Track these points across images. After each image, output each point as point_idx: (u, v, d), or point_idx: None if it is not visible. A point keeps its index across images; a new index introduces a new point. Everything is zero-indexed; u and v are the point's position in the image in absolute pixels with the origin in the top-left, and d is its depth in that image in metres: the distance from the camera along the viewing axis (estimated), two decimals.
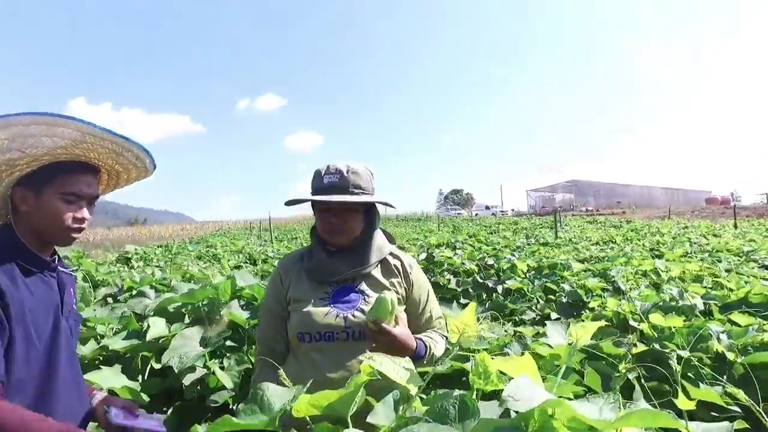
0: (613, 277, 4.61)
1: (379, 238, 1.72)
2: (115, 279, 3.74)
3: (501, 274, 4.49)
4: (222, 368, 2.03)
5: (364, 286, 1.63)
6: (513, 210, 52.29)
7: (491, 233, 15.70)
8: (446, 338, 1.77)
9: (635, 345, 2.35)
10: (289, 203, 1.67)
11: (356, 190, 1.58)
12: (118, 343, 2.05)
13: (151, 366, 2.06)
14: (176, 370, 1.90)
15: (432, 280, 4.34)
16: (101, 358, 2.17)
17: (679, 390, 1.29)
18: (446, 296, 4.17)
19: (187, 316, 2.51)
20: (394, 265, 1.70)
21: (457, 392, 0.91)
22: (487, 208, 50.20)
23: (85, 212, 1.35)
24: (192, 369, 2.05)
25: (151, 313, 2.41)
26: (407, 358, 1.32)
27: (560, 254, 7.60)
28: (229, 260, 7.17)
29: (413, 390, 0.98)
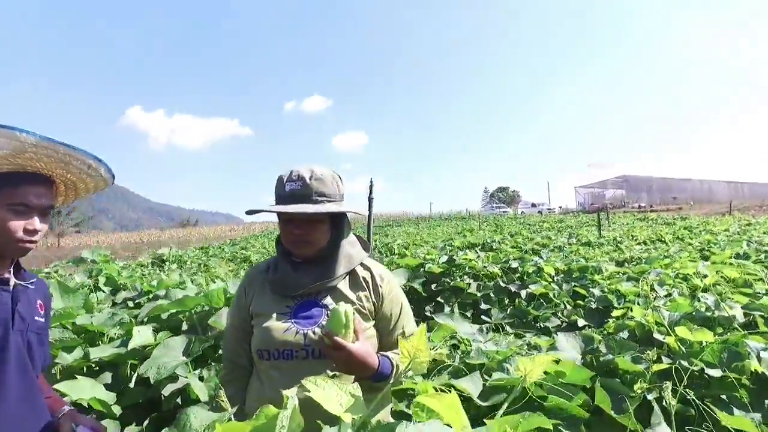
0: (651, 281, 4.28)
1: (348, 247, 1.59)
2: (135, 283, 3.80)
3: (526, 277, 4.25)
4: (201, 378, 1.96)
5: (328, 300, 1.51)
6: (560, 207, 50.68)
7: (533, 232, 15.19)
8: None
9: (655, 361, 2.12)
10: (249, 212, 1.58)
11: (320, 198, 1.47)
12: (101, 352, 2.03)
13: (138, 375, 2.02)
14: (152, 381, 1.85)
15: (452, 284, 4.17)
16: (92, 367, 2.16)
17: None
18: (466, 301, 3.98)
19: (184, 323, 2.48)
20: (363, 278, 1.58)
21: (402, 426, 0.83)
22: (533, 205, 48.88)
23: (36, 223, 1.31)
24: (174, 379, 2.00)
25: (145, 320, 2.39)
26: (356, 384, 1.20)
27: (599, 255, 7.19)
28: (259, 262, 7.20)
29: (347, 420, 0.89)
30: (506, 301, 3.94)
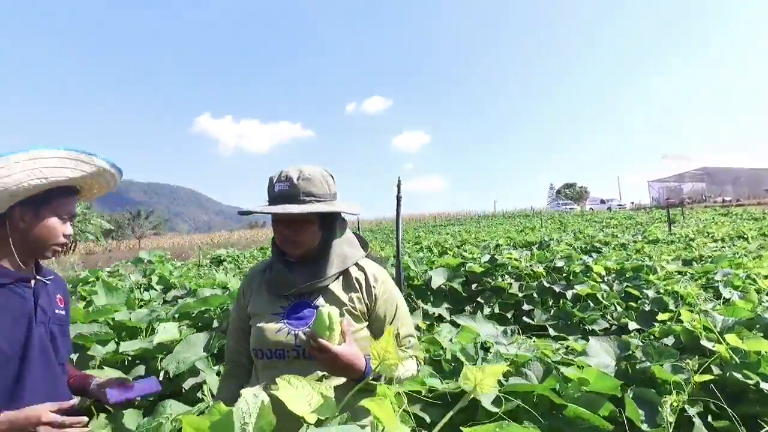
0: (717, 282, 3.91)
1: (343, 247, 1.58)
2: (184, 282, 4.00)
3: (572, 277, 4.03)
4: (218, 374, 2.02)
5: (320, 301, 1.51)
6: (632, 203, 47.80)
7: (599, 230, 14.43)
8: (416, 358, 1.62)
9: (699, 371, 1.92)
10: (242, 213, 1.60)
11: (307, 199, 1.46)
12: (130, 346, 2.14)
13: (161, 369, 2.12)
14: (170, 375, 1.93)
15: (493, 284, 4.03)
16: (126, 360, 2.29)
17: None
18: (507, 302, 3.83)
19: (215, 320, 2.57)
20: (356, 278, 1.56)
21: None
22: (602, 202, 46.48)
23: (69, 229, 1.50)
24: (195, 373, 2.07)
25: (176, 316, 2.49)
26: (331, 385, 1.18)
27: (666, 253, 6.69)
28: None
29: (310, 420, 0.89)
30: (550, 302, 3.76)
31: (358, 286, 1.55)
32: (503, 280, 3.97)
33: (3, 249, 1.43)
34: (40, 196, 1.43)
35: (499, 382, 1.95)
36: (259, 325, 1.48)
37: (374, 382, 1.41)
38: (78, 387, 1.61)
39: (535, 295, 3.77)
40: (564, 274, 4.08)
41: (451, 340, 2.41)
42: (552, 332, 3.35)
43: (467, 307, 3.89)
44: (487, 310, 3.76)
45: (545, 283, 3.84)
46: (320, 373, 1.44)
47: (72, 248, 24.45)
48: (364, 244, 1.67)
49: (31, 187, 1.37)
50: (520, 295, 3.78)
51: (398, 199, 3.11)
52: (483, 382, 0.93)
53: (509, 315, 3.68)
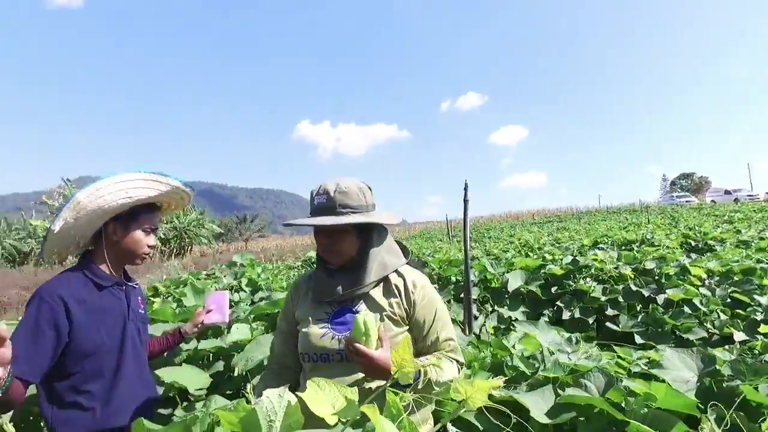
0: None
1: (382, 255, 1.65)
2: (269, 284, 4.29)
3: (664, 280, 3.68)
4: None
5: (362, 307, 1.59)
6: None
7: (717, 225, 12.91)
8: (457, 362, 1.66)
9: None
10: (286, 225, 1.71)
11: (344, 210, 1.54)
12: (208, 344, 2.36)
13: (232, 366, 2.31)
14: (236, 373, 2.09)
15: (574, 287, 3.81)
16: (207, 357, 2.52)
17: None
18: (590, 306, 3.60)
19: None
20: (395, 285, 1.63)
21: None
22: (728, 192, 41.29)
23: (153, 239, 1.78)
24: (261, 371, 2.23)
25: (251, 317, 2.69)
26: (354, 388, 1.23)
27: None
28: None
29: (330, 422, 0.95)
30: (638, 308, 3.46)
31: (397, 292, 1.61)
32: (585, 282, 3.73)
33: (101, 258, 1.71)
34: (127, 213, 1.69)
35: (557, 392, 1.86)
36: (305, 330, 1.57)
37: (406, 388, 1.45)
38: (172, 343, 2.06)
39: (620, 300, 3.50)
40: (655, 277, 3.73)
41: (513, 346, 2.33)
42: (639, 340, 3.10)
43: (546, 312, 3.72)
44: (566, 315, 3.57)
45: (632, 287, 3.55)
46: (361, 375, 1.51)
47: (189, 250, 27.12)
48: (405, 252, 1.74)
49: (118, 205, 1.63)
50: (603, 299, 3.53)
51: (465, 202, 3.07)
52: (473, 396, 0.92)
53: (590, 320, 3.46)
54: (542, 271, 4.02)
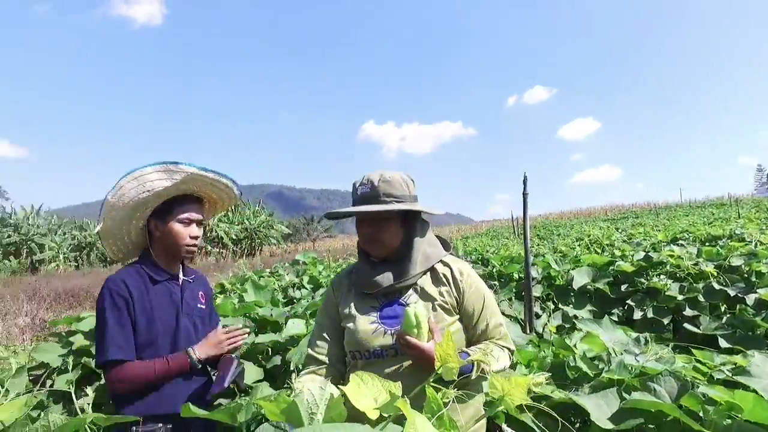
0: None
1: (425, 246, 1.63)
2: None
3: (755, 278, 3.33)
4: None
5: (412, 298, 1.57)
6: None
7: None
8: (508, 349, 1.63)
9: None
10: (328, 216, 1.71)
11: (388, 199, 1.54)
12: (264, 338, 2.42)
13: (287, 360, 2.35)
14: (292, 366, 2.13)
15: (646, 285, 3.54)
16: (267, 351, 2.59)
17: None
18: (665, 306, 3.33)
19: None
20: (443, 274, 1.61)
21: None
22: None
23: (195, 231, 1.81)
24: None
25: (308, 313, 2.74)
26: (398, 383, 1.21)
27: None
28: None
29: (371, 416, 0.96)
30: (722, 309, 3.16)
31: (445, 281, 1.60)
32: (659, 280, 3.46)
33: (154, 254, 1.79)
34: (162, 207, 1.74)
35: (622, 396, 1.72)
36: (354, 327, 1.55)
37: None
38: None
39: (700, 299, 3.21)
40: (744, 275, 3.39)
41: (575, 346, 2.20)
42: (724, 344, 2.82)
43: (615, 311, 3.49)
44: (638, 315, 3.33)
45: (715, 285, 3.24)
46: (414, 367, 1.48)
47: (259, 251, 28.31)
48: (446, 245, 1.72)
49: (141, 200, 1.67)
50: (680, 298, 3.25)
51: (524, 196, 2.95)
52: (511, 392, 0.86)
53: (666, 321, 3.20)
54: (611, 268, 3.78)
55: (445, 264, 1.64)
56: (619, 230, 13.71)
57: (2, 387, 1.73)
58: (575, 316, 3.34)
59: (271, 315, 2.80)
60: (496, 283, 3.44)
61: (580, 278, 3.56)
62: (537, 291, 3.63)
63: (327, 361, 1.65)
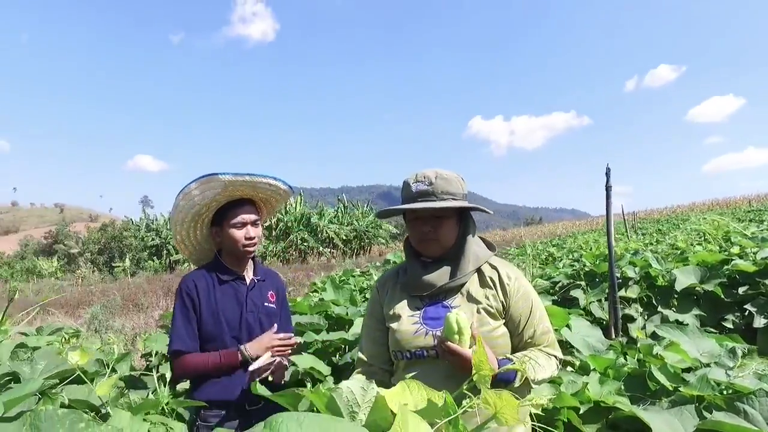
0: None
1: (475, 246, 1.60)
2: None
3: None
4: None
5: (457, 301, 1.55)
6: None
7: None
8: (555, 357, 1.55)
9: None
10: (379, 215, 1.71)
11: (446, 197, 1.52)
12: (332, 336, 2.52)
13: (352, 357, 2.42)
14: (350, 360, 2.20)
15: None
16: (337, 347, 2.69)
17: None
18: None
19: None
20: (490, 277, 1.57)
21: None
22: None
23: (251, 232, 1.94)
24: None
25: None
26: (443, 392, 1.18)
27: None
28: (561, 259, 6.94)
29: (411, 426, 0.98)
30: None
31: (492, 284, 1.56)
32: None
33: (222, 256, 1.96)
34: (216, 215, 1.90)
35: (701, 414, 1.51)
36: (398, 327, 1.55)
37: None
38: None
39: None
40: None
41: (657, 355, 1.97)
42: None
43: (730, 317, 3.05)
44: (760, 322, 2.87)
45: None
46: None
47: (368, 250, 29.20)
48: (490, 246, 1.67)
49: (194, 212, 1.85)
50: None
51: (607, 189, 2.71)
52: (503, 411, 0.79)
53: None
54: (725, 267, 3.30)
55: (493, 267, 1.59)
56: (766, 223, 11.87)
57: (108, 368, 2.01)
58: (677, 321, 2.98)
59: (347, 313, 2.90)
60: (582, 283, 3.18)
61: (685, 278, 3.16)
62: (634, 292, 3.30)
63: (374, 363, 1.66)
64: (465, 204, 1.53)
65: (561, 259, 7.03)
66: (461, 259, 1.55)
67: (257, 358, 1.82)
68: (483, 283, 1.56)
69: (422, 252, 1.59)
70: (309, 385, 2.41)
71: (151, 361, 2.96)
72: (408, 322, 1.54)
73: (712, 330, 2.97)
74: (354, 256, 27.68)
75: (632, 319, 3.03)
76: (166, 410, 1.73)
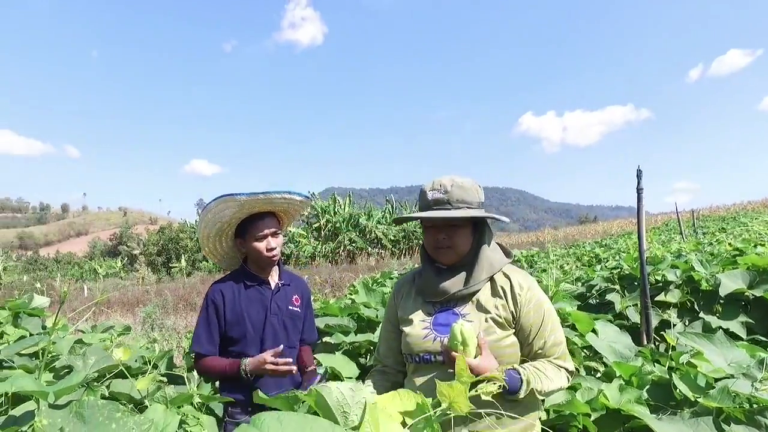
0: None
1: (490, 253, 1.62)
2: None
3: None
4: None
5: (467, 309, 1.58)
6: None
7: None
8: (566, 369, 1.55)
9: None
10: (396, 221, 1.76)
11: (461, 205, 1.55)
12: (360, 338, 2.59)
13: None
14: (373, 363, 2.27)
15: None
16: (366, 349, 2.77)
17: None
18: None
19: None
20: (501, 286, 1.59)
21: None
22: None
23: (271, 243, 2.07)
24: None
25: None
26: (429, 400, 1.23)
27: None
28: (607, 260, 6.71)
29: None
30: None
31: (503, 294, 1.57)
32: None
33: (248, 264, 2.11)
34: (238, 229, 2.03)
35: (720, 426, 1.47)
36: (408, 331, 1.61)
37: (510, 396, 1.38)
38: (300, 370, 2.15)
39: None
40: None
41: (686, 363, 1.91)
42: None
43: None
44: None
45: None
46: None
47: (416, 251, 29.16)
48: (507, 253, 1.69)
49: (217, 228, 2.00)
50: None
51: (639, 192, 2.65)
52: (456, 400, 0.85)
53: None
54: None
55: (506, 276, 1.60)
56: None
57: (149, 364, 2.18)
58: (721, 328, 2.85)
59: (376, 316, 2.97)
60: (616, 286, 3.09)
61: (731, 283, 3.01)
62: (674, 297, 3.18)
63: (389, 364, 1.74)
64: (479, 213, 1.55)
65: (607, 260, 6.80)
66: (475, 268, 1.57)
67: (254, 375, 1.92)
68: (494, 292, 1.58)
69: (436, 259, 1.63)
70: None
71: (192, 359, 3.15)
72: (419, 327, 1.59)
73: (763, 338, 2.82)
74: (402, 257, 27.74)
75: (670, 325, 2.92)
76: (196, 405, 1.87)
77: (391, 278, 5.22)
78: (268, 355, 1.90)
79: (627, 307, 3.10)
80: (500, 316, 1.53)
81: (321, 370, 2.23)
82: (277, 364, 1.90)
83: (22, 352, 2.17)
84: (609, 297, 3.29)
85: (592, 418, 1.60)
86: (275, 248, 2.04)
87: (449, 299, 1.58)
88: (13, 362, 2.09)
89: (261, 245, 2.01)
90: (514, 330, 1.55)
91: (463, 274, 1.58)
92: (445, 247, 1.57)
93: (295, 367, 1.94)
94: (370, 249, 27.08)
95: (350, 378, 2.39)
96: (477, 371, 1.32)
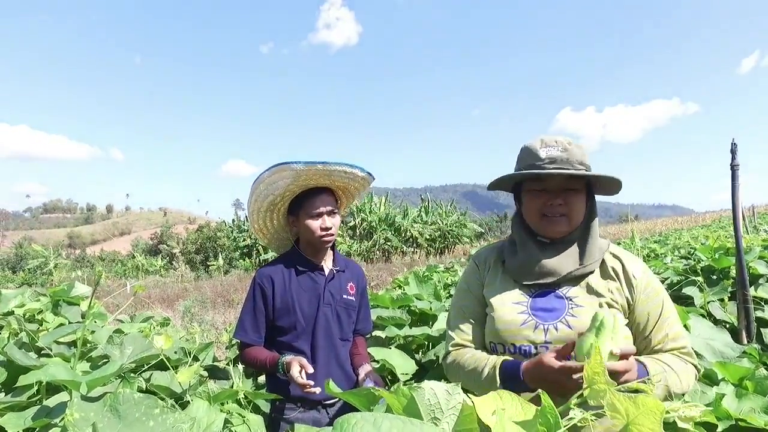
0: None
1: (598, 228, 1.38)
2: None
3: None
4: None
5: (574, 291, 1.31)
6: None
7: None
8: (694, 366, 1.29)
9: None
10: (492, 186, 1.44)
11: (581, 167, 1.30)
12: (415, 331, 2.37)
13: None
14: (433, 357, 2.05)
15: None
16: (420, 343, 2.55)
17: None
18: None
19: None
20: (612, 267, 1.34)
21: None
22: None
23: (327, 222, 1.84)
24: None
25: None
26: (537, 409, 0.96)
27: None
28: (666, 256, 6.25)
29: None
30: None
31: (615, 276, 1.32)
32: None
33: (300, 246, 1.89)
34: (293, 204, 1.83)
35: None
36: (499, 316, 1.34)
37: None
38: (353, 365, 1.91)
39: None
40: None
41: None
42: None
43: None
44: None
45: None
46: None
47: (452, 249, 28.81)
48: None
49: (269, 201, 1.80)
50: None
51: (733, 169, 2.31)
52: (637, 420, 0.60)
53: None
54: None
55: (615, 256, 1.35)
56: None
57: (189, 356, 2.02)
58: None
59: (430, 308, 2.74)
60: (699, 279, 2.74)
61: None
62: (766, 291, 2.81)
63: (473, 346, 1.43)
64: (609, 174, 1.28)
65: (666, 255, 6.35)
66: (588, 243, 1.32)
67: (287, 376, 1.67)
68: (605, 274, 1.33)
69: (542, 231, 1.35)
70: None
71: (236, 353, 3.00)
72: (513, 311, 1.31)
73: None
74: (437, 255, 27.40)
75: (766, 324, 2.57)
76: (243, 402, 1.69)
77: (437, 272, 4.98)
78: (296, 372, 1.62)
79: (709, 302, 2.76)
80: (616, 302, 1.29)
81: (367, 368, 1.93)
82: (304, 386, 1.61)
83: (60, 340, 2.05)
84: (686, 291, 2.94)
85: (719, 429, 1.31)
86: (331, 228, 1.82)
87: (549, 281, 1.31)
88: (51, 350, 1.98)
89: (315, 223, 1.79)
90: (627, 320, 1.30)
91: (575, 250, 1.32)
92: (559, 215, 1.31)
93: (318, 389, 1.60)
94: (405, 248, 26.85)
95: (406, 375, 2.18)
96: (625, 378, 1.04)
